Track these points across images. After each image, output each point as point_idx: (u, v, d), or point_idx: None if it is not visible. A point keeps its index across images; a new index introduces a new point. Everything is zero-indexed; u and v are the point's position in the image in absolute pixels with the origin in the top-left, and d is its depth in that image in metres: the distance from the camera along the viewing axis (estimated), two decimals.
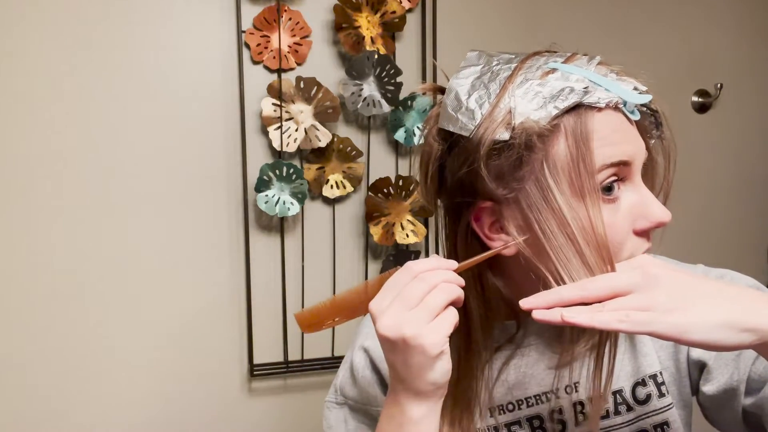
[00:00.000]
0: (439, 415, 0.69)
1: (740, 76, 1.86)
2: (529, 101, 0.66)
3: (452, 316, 0.65)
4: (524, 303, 0.63)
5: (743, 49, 1.87)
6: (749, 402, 0.74)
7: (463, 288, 0.67)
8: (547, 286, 0.66)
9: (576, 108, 0.66)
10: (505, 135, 0.66)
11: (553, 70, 0.68)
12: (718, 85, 1.81)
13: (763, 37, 1.89)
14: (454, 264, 0.68)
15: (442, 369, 0.65)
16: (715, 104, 1.84)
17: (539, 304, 0.62)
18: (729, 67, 1.85)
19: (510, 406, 0.81)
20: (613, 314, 0.58)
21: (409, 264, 0.67)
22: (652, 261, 0.62)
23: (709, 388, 0.77)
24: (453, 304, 0.66)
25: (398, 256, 1.57)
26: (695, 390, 0.81)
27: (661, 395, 0.80)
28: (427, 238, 1.61)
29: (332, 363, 1.57)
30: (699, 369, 0.80)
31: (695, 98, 1.83)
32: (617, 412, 0.79)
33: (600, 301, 0.61)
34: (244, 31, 1.44)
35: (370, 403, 0.85)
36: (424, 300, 0.64)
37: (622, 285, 0.61)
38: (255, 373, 1.52)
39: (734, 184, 1.90)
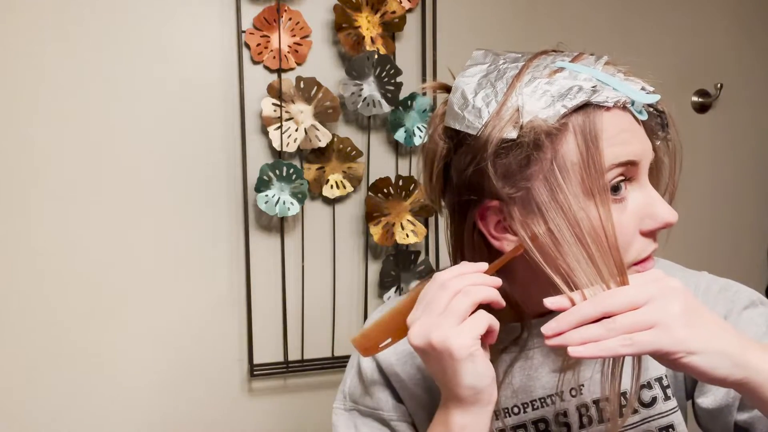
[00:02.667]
0: (488, 423, 0.68)
1: (740, 76, 1.87)
2: (537, 100, 0.66)
3: (481, 318, 0.65)
4: (546, 329, 0.63)
5: (743, 49, 1.87)
6: (742, 418, 0.75)
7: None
8: (554, 288, 0.66)
9: (584, 107, 0.66)
10: (513, 134, 0.66)
11: (561, 69, 0.68)
12: (718, 85, 1.81)
13: (763, 37, 1.89)
14: (484, 266, 0.68)
15: (476, 372, 0.65)
16: (715, 104, 1.85)
17: (562, 329, 0.62)
18: (729, 67, 1.86)
19: (516, 409, 0.81)
20: (617, 340, 0.59)
21: (436, 274, 0.68)
22: (667, 275, 0.63)
23: (704, 401, 0.78)
24: (491, 305, 0.67)
25: (398, 256, 1.57)
26: (689, 396, 0.82)
27: (667, 398, 0.80)
28: (427, 238, 1.61)
29: (332, 363, 1.57)
30: (693, 379, 0.80)
31: (695, 98, 1.83)
32: (622, 415, 0.79)
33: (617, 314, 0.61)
34: (244, 31, 1.44)
35: (381, 408, 0.84)
36: (449, 305, 0.65)
37: (640, 298, 0.61)
38: (255, 373, 1.52)
39: (734, 184, 1.91)
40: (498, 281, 0.67)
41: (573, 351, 0.60)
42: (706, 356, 0.58)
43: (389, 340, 0.73)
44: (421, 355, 0.68)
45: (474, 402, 0.67)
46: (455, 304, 0.65)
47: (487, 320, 0.66)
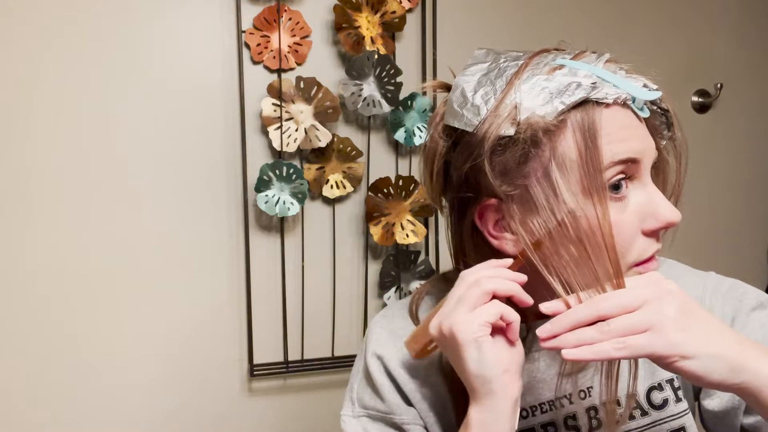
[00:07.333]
0: (509, 420, 0.67)
1: (740, 76, 1.87)
2: (535, 96, 0.66)
3: (491, 307, 0.66)
4: (542, 332, 0.63)
5: (743, 49, 1.87)
6: (748, 422, 0.75)
7: (524, 284, 0.68)
8: (550, 288, 0.66)
9: (583, 104, 0.65)
10: (510, 130, 0.66)
11: (561, 66, 0.67)
12: (718, 85, 1.81)
13: (763, 37, 1.89)
14: (508, 262, 0.69)
15: (481, 359, 0.65)
16: (715, 104, 1.84)
17: (556, 332, 0.62)
18: (729, 67, 1.86)
19: (524, 413, 0.80)
20: (610, 343, 0.59)
21: (461, 273, 0.70)
22: (665, 278, 0.63)
23: (710, 403, 0.77)
24: (514, 300, 0.68)
25: (398, 256, 1.57)
26: (695, 397, 0.82)
27: (678, 400, 0.79)
28: (427, 238, 1.60)
29: (332, 363, 1.56)
30: None
31: (695, 98, 1.83)
32: (632, 417, 0.78)
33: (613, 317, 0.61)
34: (244, 31, 1.44)
35: (393, 412, 0.82)
36: (462, 295, 0.67)
37: (635, 302, 0.61)
38: (255, 373, 1.52)
39: (734, 184, 1.90)
40: (522, 277, 0.68)
41: (567, 353, 0.61)
42: (701, 360, 0.58)
43: (435, 343, 0.74)
44: (439, 345, 0.70)
45: (487, 394, 0.66)
46: (467, 294, 0.66)
47: (497, 309, 0.66)
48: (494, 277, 0.67)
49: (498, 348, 0.66)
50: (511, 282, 0.67)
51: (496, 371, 0.66)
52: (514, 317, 0.67)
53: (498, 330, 0.67)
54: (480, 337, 0.65)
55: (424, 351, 0.74)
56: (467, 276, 0.68)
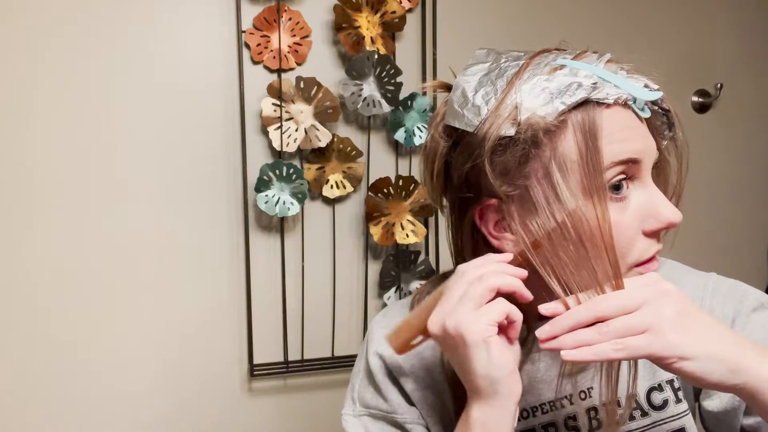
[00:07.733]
0: (511, 421, 0.67)
1: (740, 76, 1.87)
2: (536, 96, 0.66)
3: (498, 305, 0.65)
4: (541, 333, 0.63)
5: (743, 49, 1.87)
6: (748, 422, 0.75)
7: (525, 279, 0.67)
8: (549, 290, 0.66)
9: (584, 104, 0.65)
10: (510, 130, 0.66)
11: (562, 66, 0.67)
12: (718, 85, 1.81)
13: (763, 37, 1.89)
14: (508, 257, 0.68)
15: (490, 360, 0.64)
16: (715, 104, 1.84)
17: (555, 333, 0.62)
18: (729, 67, 1.86)
19: (524, 413, 0.80)
20: (609, 344, 0.59)
21: (459, 266, 0.68)
22: (664, 279, 0.63)
23: (710, 404, 0.77)
24: (516, 296, 0.66)
25: (398, 256, 1.57)
26: (696, 398, 0.81)
27: (678, 401, 0.79)
28: (427, 238, 1.60)
29: (332, 363, 1.56)
30: None
31: (695, 98, 1.83)
32: (632, 418, 0.78)
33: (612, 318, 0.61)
34: (244, 31, 1.44)
35: (395, 411, 0.82)
36: (465, 292, 0.65)
37: (634, 303, 0.61)
38: (255, 373, 1.52)
39: (734, 184, 1.91)
40: (522, 272, 0.67)
41: (566, 355, 0.60)
42: (699, 362, 0.58)
43: (420, 338, 0.72)
44: (440, 343, 0.68)
45: (492, 394, 0.66)
46: (471, 290, 0.65)
47: (504, 308, 0.65)
48: (499, 272, 0.66)
49: (501, 347, 0.66)
50: (513, 277, 0.66)
51: (503, 372, 0.65)
52: (519, 316, 0.66)
53: (501, 329, 0.67)
54: (489, 337, 0.64)
55: (407, 346, 0.72)
56: (469, 271, 0.66)
